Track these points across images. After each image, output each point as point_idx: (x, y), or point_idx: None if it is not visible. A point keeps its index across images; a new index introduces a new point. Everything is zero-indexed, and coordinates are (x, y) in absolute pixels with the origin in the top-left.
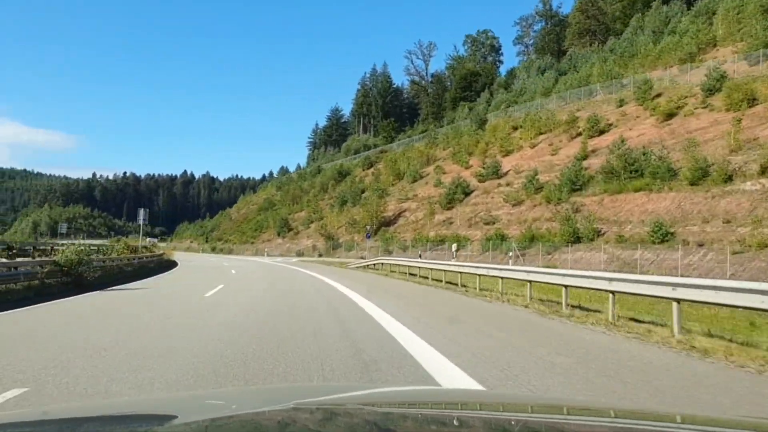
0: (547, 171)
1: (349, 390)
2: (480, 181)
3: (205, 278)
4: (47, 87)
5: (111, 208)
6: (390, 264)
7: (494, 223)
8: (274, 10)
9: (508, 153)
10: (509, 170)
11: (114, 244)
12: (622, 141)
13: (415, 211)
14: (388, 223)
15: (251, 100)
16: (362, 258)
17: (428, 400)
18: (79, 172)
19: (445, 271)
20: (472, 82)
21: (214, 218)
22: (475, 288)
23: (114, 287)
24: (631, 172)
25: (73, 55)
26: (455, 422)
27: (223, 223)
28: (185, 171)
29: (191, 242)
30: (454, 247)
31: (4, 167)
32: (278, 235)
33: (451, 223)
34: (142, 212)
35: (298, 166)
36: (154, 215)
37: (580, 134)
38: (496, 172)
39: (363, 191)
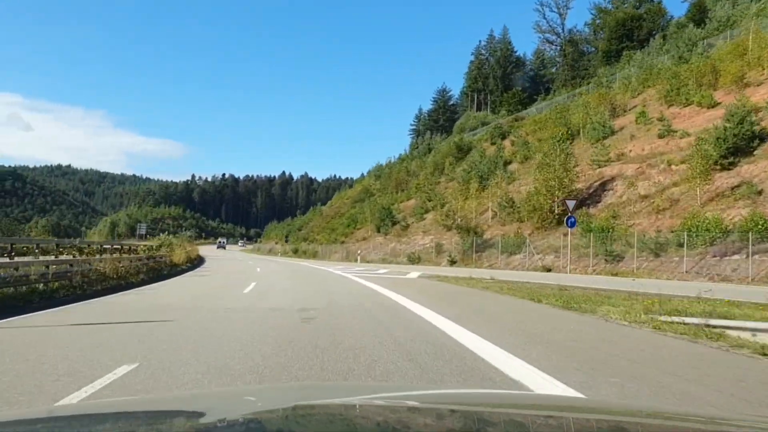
0: None
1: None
2: None
3: None
4: (160, 97)
5: (209, 210)
6: None
7: None
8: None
9: None
10: None
11: None
12: None
13: (637, 177)
14: (582, 201)
15: (350, 97)
16: (547, 269)
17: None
18: (185, 176)
19: None
20: (633, 28)
21: (305, 215)
22: None
23: None
24: None
25: (180, 62)
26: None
27: (313, 220)
28: (283, 172)
29: (275, 243)
30: None
31: (116, 173)
32: (378, 230)
33: (759, 192)
34: None
35: (400, 156)
36: (252, 217)
37: None
38: None
39: (508, 163)
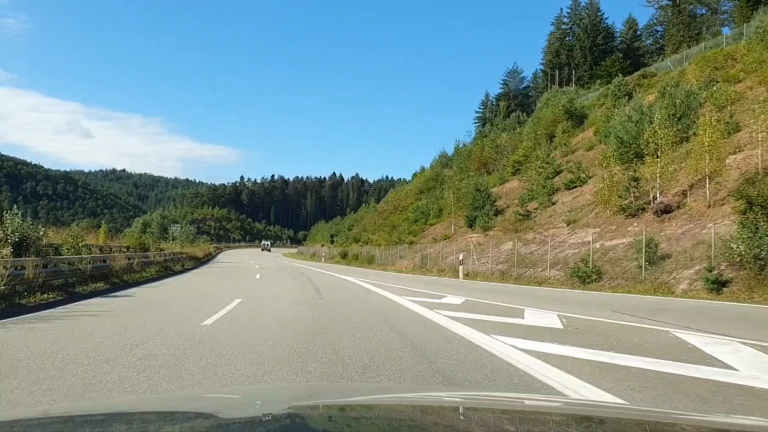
0: None
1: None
2: None
3: None
4: (214, 104)
5: (258, 212)
6: None
7: None
8: None
9: None
10: None
11: None
12: None
13: None
14: None
15: (403, 96)
16: None
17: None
18: (236, 179)
19: None
20: None
21: (356, 213)
22: None
23: None
24: None
25: (234, 67)
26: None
27: (366, 217)
28: (334, 173)
29: (321, 245)
30: None
31: (169, 177)
32: (469, 225)
33: None
34: None
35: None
36: (301, 219)
37: None
38: None
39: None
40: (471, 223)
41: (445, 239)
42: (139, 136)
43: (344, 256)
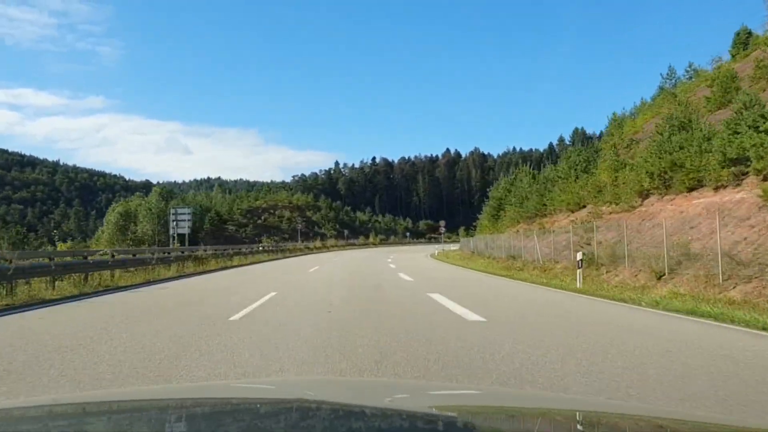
0: None
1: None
2: None
3: None
4: (306, 106)
5: (359, 202)
6: None
7: None
8: None
9: None
10: None
11: None
12: None
13: None
14: None
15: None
16: None
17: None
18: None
19: None
20: None
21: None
22: None
23: None
24: None
25: (331, 58)
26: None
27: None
28: (448, 149)
29: (565, 225)
30: None
31: (265, 181)
32: None
33: None
34: None
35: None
36: (413, 208)
37: None
38: None
39: None
40: None
41: None
42: (237, 149)
43: None
